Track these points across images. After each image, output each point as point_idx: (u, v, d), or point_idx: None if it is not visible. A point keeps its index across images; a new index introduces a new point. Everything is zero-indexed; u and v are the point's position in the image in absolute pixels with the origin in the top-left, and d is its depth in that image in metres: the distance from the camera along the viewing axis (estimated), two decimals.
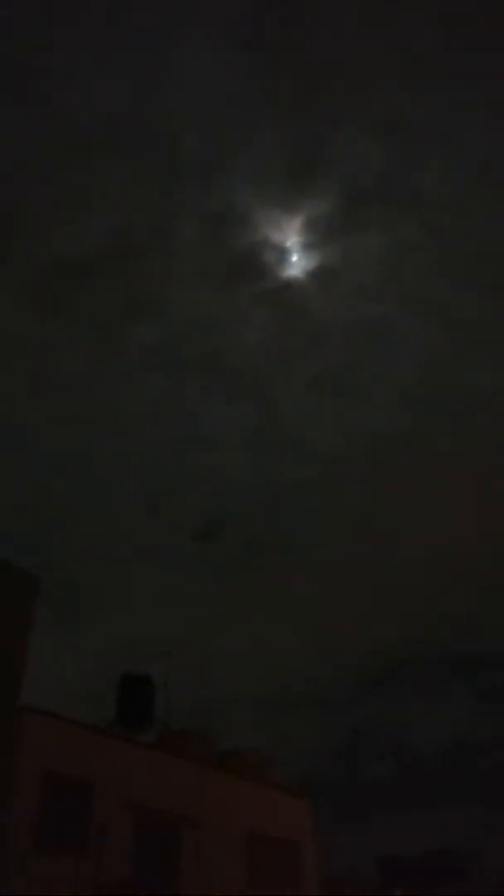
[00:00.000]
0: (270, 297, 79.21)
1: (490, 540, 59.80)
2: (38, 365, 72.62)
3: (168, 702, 20.70)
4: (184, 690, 21.86)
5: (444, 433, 71.08)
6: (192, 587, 68.26)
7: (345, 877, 26.55)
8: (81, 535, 66.14)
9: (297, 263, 79.10)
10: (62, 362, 72.87)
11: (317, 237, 79.68)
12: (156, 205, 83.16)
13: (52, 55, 66.47)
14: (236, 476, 75.45)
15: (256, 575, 71.32)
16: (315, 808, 22.62)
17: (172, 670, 21.30)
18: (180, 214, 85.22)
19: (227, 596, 71.67)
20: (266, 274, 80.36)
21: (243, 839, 18.58)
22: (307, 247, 77.72)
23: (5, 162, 71.68)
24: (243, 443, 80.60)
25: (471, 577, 62.34)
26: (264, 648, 59.22)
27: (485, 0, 63.19)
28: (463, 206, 77.47)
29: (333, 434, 77.91)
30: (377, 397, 79.36)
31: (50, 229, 75.67)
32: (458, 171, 78.93)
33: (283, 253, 77.99)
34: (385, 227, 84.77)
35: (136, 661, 22.01)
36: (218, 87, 74.17)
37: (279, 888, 18.56)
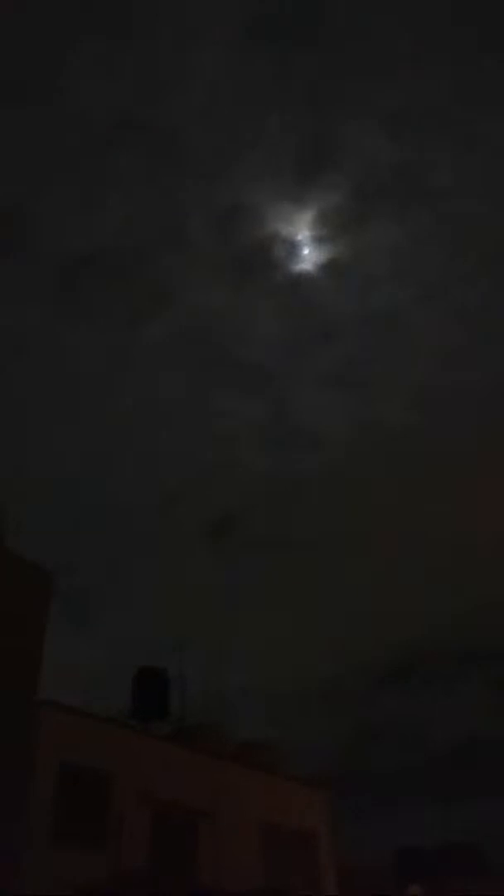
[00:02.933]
0: (282, 292, 79.01)
1: None
2: (50, 361, 73.10)
3: (184, 695, 20.84)
4: (200, 684, 21.99)
5: (460, 427, 70.69)
6: (207, 582, 68.45)
7: (362, 869, 26.55)
8: (96, 531, 66.53)
9: (307, 257, 78.70)
10: (73, 359, 73.26)
11: (328, 231, 79.41)
12: (166, 201, 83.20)
13: (63, 56, 66.66)
14: (249, 471, 75.40)
15: (270, 570, 71.43)
16: (331, 801, 22.65)
17: (188, 664, 21.44)
18: (191, 210, 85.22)
19: (241, 591, 71.83)
20: (277, 268, 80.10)
21: (259, 831, 18.65)
22: (318, 240, 77.35)
23: (17, 160, 72.07)
24: (256, 438, 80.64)
25: (486, 572, 62.05)
26: (279, 643, 59.30)
27: None
28: (476, 196, 76.71)
29: (347, 428, 77.57)
30: (391, 391, 78.81)
31: (62, 227, 76.14)
32: (470, 161, 78.31)
33: (293, 247, 77.64)
34: (397, 219, 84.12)
35: (152, 655, 22.17)
36: (227, 81, 74.00)
37: (295, 879, 18.62)
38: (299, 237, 77.16)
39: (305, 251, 77.91)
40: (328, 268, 77.29)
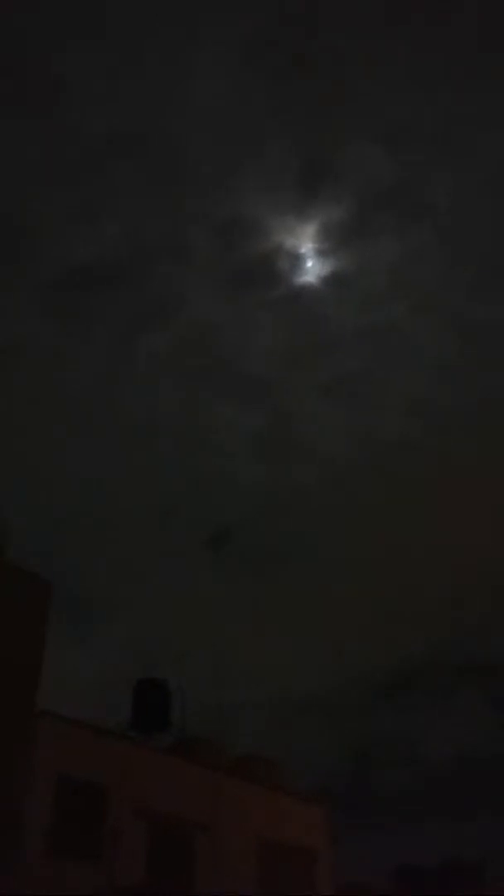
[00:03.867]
0: (283, 304, 79.27)
1: None
2: (48, 372, 73.15)
3: (184, 707, 20.72)
4: (198, 696, 21.87)
5: (457, 441, 70.72)
6: (205, 594, 68.29)
7: (361, 885, 26.26)
8: (93, 542, 66.23)
9: (311, 270, 78.98)
10: (72, 369, 73.53)
11: (331, 244, 79.69)
12: (168, 213, 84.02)
13: (63, 68, 67.36)
14: (247, 483, 75.29)
15: (268, 582, 71.22)
16: (331, 816, 22.44)
17: (186, 676, 21.33)
18: (193, 222, 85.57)
19: (239, 603, 71.59)
20: (280, 281, 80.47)
21: (257, 846, 18.51)
22: (321, 253, 77.70)
23: (19, 172, 72.75)
24: (254, 450, 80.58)
25: (484, 586, 61.86)
26: (277, 655, 58.97)
27: (494, 7, 63.14)
28: (475, 212, 77.35)
29: (345, 441, 77.57)
30: (389, 405, 78.82)
31: (61, 237, 76.73)
32: (469, 177, 79.05)
33: (297, 259, 77.97)
34: (397, 234, 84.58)
35: (151, 666, 22.06)
36: (229, 93, 74.63)
37: (293, 895, 18.45)
38: (302, 250, 77.50)
39: (309, 264, 78.15)
40: (330, 280, 77.55)
